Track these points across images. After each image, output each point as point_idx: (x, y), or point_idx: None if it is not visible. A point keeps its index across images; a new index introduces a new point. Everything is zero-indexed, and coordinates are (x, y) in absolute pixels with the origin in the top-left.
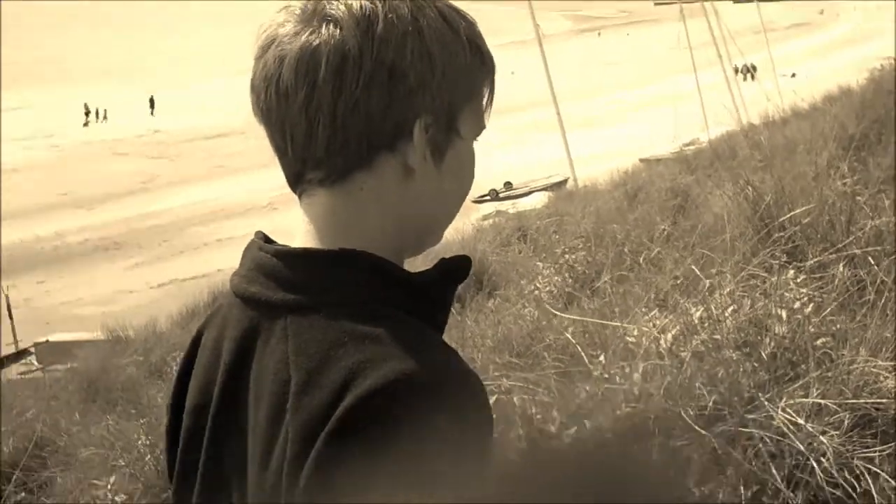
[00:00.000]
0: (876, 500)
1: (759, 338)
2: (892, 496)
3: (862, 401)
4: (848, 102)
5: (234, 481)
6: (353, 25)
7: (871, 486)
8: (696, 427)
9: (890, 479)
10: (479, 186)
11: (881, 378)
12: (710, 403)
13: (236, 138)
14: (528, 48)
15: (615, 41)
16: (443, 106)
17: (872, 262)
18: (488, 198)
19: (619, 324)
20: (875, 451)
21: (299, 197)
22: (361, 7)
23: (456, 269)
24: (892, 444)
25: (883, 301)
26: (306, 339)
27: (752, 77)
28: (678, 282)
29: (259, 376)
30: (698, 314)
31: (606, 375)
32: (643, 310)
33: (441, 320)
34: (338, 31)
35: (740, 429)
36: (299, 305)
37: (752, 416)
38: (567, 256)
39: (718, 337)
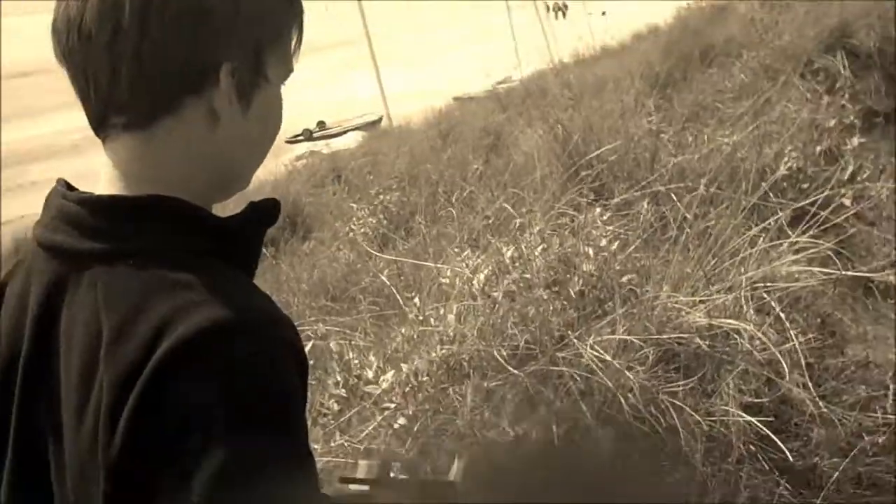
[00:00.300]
0: (681, 434)
1: (567, 276)
2: (696, 430)
3: (665, 336)
4: (655, 41)
5: (49, 438)
6: None
7: (676, 419)
8: (509, 367)
9: (693, 413)
10: (291, 126)
11: (683, 313)
12: (522, 343)
13: (40, 77)
14: None
15: None
16: (249, 49)
17: (675, 199)
18: (301, 138)
19: (432, 264)
20: (679, 386)
21: (103, 142)
22: None
23: (265, 212)
24: (695, 377)
25: (684, 237)
26: (116, 289)
27: (564, 15)
28: (490, 221)
29: (68, 329)
30: (509, 254)
31: (421, 318)
32: (456, 250)
33: (251, 265)
34: None
35: (551, 367)
36: (106, 254)
37: (562, 355)
38: (382, 197)
39: (529, 276)
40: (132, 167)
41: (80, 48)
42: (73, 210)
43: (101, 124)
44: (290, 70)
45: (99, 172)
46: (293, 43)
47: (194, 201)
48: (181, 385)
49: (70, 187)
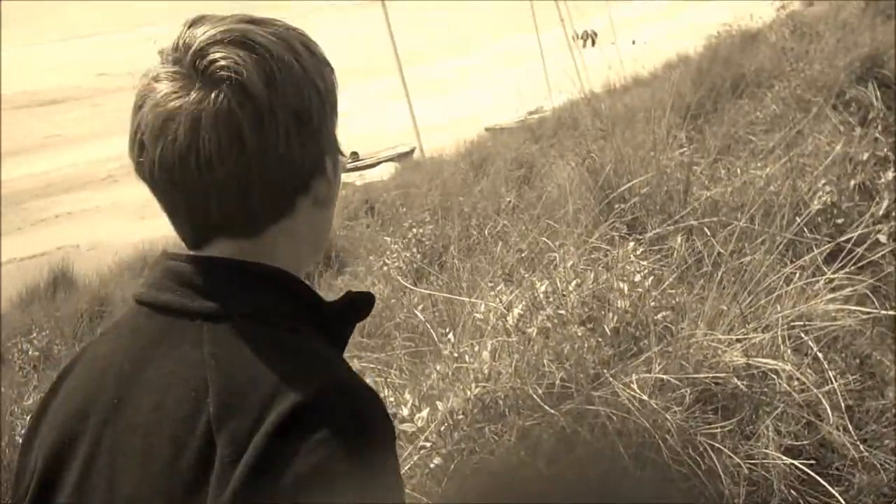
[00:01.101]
0: (721, 478)
1: (602, 312)
2: (736, 472)
3: (702, 375)
4: (686, 70)
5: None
6: (254, 80)
7: (716, 462)
8: (545, 405)
9: (732, 455)
10: None
11: (719, 352)
12: (558, 381)
13: (72, 104)
14: (366, 9)
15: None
16: (333, 132)
17: (708, 234)
18: None
19: (467, 299)
20: (717, 427)
21: (199, 249)
22: (252, 58)
23: (363, 304)
24: (734, 419)
25: (719, 273)
26: (224, 346)
27: (593, 43)
28: (523, 255)
29: (160, 381)
30: (543, 288)
31: (456, 354)
32: (490, 284)
33: (341, 350)
34: (240, 88)
35: (587, 406)
36: (215, 313)
37: (597, 394)
38: (415, 230)
39: (563, 312)
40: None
41: (198, 175)
42: (183, 269)
43: (203, 236)
44: None
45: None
46: None
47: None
48: (304, 445)
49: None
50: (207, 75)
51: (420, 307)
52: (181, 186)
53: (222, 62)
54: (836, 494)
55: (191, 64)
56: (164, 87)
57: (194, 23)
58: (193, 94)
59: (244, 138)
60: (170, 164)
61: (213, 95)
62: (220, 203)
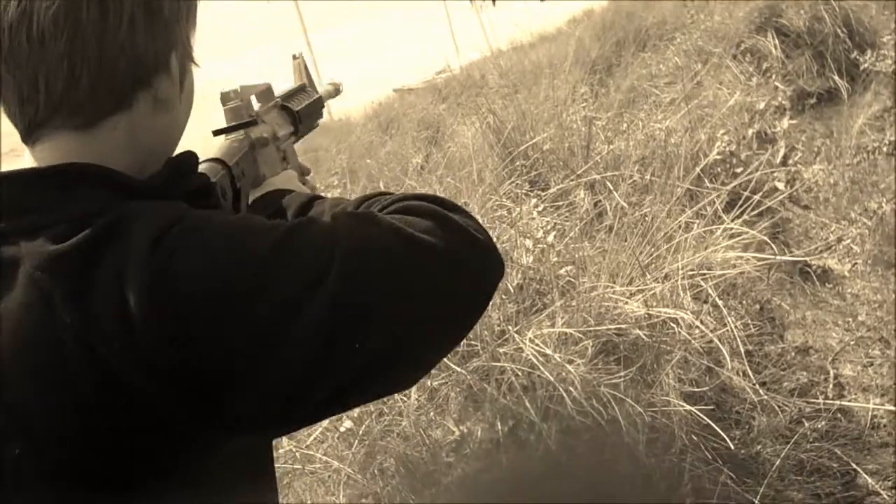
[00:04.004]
0: (623, 426)
1: (507, 269)
2: (638, 421)
3: (603, 327)
4: (590, 25)
5: None
6: None
7: (618, 412)
8: (452, 365)
9: (634, 404)
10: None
11: (620, 303)
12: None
13: None
14: None
15: None
16: (185, 34)
17: (610, 187)
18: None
19: None
20: (619, 378)
21: (33, 144)
22: None
23: (186, 167)
24: (634, 368)
25: (620, 225)
26: (45, 258)
27: (493, 2)
28: None
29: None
30: None
31: None
32: None
33: None
34: None
35: (493, 363)
36: (33, 227)
37: (503, 350)
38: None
39: None
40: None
41: (29, 51)
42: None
43: (39, 126)
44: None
45: None
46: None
47: None
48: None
49: None
50: None
51: None
52: (10, 63)
53: None
54: (728, 440)
55: None
56: None
57: None
58: None
59: (81, 13)
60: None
61: None
62: (49, 85)
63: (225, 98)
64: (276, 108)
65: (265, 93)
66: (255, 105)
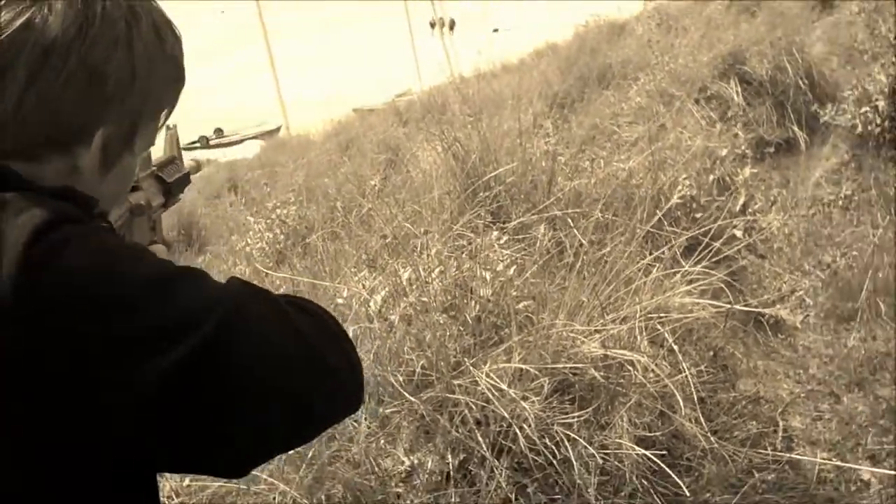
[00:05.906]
0: (575, 467)
1: (465, 301)
2: (590, 462)
3: (560, 365)
4: (554, 58)
5: None
6: (69, 18)
7: (570, 452)
8: (405, 393)
9: (587, 446)
10: (188, 132)
11: (578, 342)
12: (419, 368)
13: None
14: None
15: None
16: (129, 120)
17: (571, 224)
18: (198, 145)
19: (329, 283)
20: (573, 417)
21: None
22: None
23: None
24: (589, 409)
25: (580, 264)
26: None
27: (451, 30)
28: (387, 241)
29: None
30: (406, 275)
31: None
32: (353, 269)
33: None
34: (50, 17)
35: (447, 395)
36: None
37: (458, 382)
38: (279, 211)
39: (426, 299)
40: None
41: None
42: None
43: None
44: (152, 145)
45: None
46: (164, 116)
47: None
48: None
49: None
50: None
51: (282, 290)
52: None
53: None
54: (683, 486)
55: None
56: None
57: None
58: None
59: (19, 59)
60: None
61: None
62: None
63: None
64: (152, 176)
65: (145, 158)
66: None
